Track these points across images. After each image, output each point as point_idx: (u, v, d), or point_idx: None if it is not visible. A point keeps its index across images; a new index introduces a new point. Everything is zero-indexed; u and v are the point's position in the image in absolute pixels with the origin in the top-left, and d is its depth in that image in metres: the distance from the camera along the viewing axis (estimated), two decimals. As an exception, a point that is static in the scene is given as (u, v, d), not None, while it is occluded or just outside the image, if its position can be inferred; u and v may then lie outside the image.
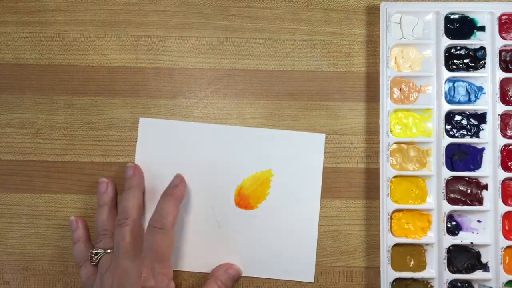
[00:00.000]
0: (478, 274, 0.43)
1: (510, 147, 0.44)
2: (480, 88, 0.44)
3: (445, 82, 0.44)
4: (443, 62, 0.44)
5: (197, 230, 0.44)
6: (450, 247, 0.43)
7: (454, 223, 0.44)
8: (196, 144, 0.45)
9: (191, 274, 0.44)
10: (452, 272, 0.43)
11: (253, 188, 0.44)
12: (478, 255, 0.43)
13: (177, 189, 0.43)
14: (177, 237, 0.44)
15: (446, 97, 0.44)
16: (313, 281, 0.44)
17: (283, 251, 0.44)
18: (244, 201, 0.44)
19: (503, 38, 0.44)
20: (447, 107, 0.44)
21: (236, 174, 0.44)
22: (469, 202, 0.44)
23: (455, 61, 0.45)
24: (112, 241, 0.41)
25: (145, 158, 0.45)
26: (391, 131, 0.44)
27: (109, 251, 0.41)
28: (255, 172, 0.45)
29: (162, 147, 0.45)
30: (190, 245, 0.44)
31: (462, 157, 0.44)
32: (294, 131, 0.45)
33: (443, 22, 0.44)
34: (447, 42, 0.44)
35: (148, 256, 0.40)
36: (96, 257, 0.41)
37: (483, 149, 0.44)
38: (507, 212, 0.43)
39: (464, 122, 0.44)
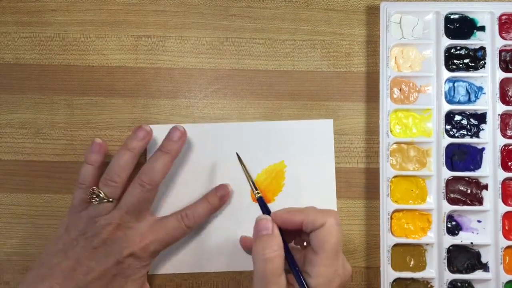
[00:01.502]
0: (478, 274, 0.43)
1: (510, 147, 0.44)
2: (480, 88, 0.44)
3: (445, 82, 0.44)
4: (443, 62, 0.44)
5: (219, 231, 0.44)
6: (450, 247, 0.43)
7: (454, 223, 0.44)
8: (204, 146, 0.45)
9: (191, 274, 0.44)
10: (452, 272, 0.43)
11: (268, 182, 0.44)
12: (478, 255, 0.43)
13: (174, 145, 0.41)
14: (199, 241, 0.44)
15: (446, 97, 0.44)
16: None
17: None
18: None
19: (503, 38, 0.44)
20: (447, 107, 0.44)
21: (248, 169, 0.44)
22: (469, 202, 0.43)
23: (455, 61, 0.45)
24: (118, 192, 0.40)
25: None
26: (391, 131, 0.44)
27: (111, 200, 0.40)
28: (268, 165, 0.45)
29: None
30: (213, 247, 0.44)
31: (462, 157, 0.44)
32: (301, 120, 0.45)
33: (443, 22, 0.44)
34: (447, 42, 0.44)
35: (125, 208, 0.40)
36: (97, 199, 0.40)
37: (483, 149, 0.44)
38: (507, 212, 0.43)
39: (464, 122, 0.44)
